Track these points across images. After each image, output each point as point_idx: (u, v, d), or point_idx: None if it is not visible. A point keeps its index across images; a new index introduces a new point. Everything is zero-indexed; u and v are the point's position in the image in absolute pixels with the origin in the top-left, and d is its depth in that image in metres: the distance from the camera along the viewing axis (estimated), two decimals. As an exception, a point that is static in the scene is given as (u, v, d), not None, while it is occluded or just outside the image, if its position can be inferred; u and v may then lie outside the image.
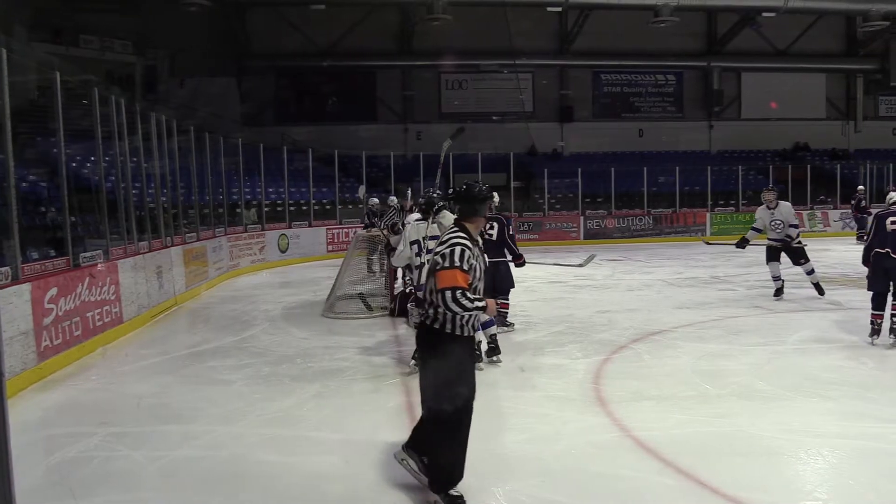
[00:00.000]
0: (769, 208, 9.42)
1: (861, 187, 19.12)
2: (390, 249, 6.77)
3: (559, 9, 21.70)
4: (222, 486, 3.84)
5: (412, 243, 5.94)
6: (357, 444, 4.33)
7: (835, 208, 22.36)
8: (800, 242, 9.42)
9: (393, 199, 12.12)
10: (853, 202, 19.70)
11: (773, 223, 9.37)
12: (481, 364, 5.96)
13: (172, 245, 10.10)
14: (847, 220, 22.02)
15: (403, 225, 6.79)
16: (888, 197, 6.83)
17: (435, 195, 6.00)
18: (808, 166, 23.08)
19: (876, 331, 6.54)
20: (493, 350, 6.24)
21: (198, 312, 9.71)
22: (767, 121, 26.81)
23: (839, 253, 15.91)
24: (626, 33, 24.17)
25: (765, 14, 22.68)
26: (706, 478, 3.70)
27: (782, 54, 26.35)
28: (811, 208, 22.19)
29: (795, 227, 9.38)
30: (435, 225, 5.68)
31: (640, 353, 6.49)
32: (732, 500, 3.47)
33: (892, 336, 6.43)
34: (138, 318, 8.29)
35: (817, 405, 4.90)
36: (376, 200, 14.00)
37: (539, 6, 21.37)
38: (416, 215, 6.28)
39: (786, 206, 9.42)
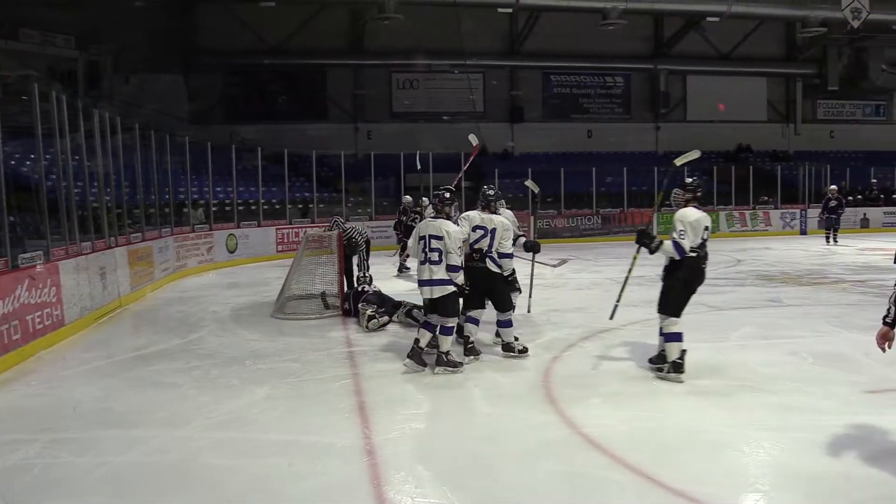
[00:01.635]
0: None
1: (833, 187, 19.09)
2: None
3: (510, 10, 21.88)
4: (169, 491, 3.76)
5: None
6: (308, 446, 4.30)
7: (776, 208, 23.04)
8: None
9: (424, 200, 11.91)
10: (824, 202, 18.91)
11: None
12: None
13: (117, 245, 9.85)
14: (788, 220, 22.71)
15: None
16: None
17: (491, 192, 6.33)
18: (751, 167, 23.72)
19: None
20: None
21: (143, 314, 9.50)
22: (712, 123, 27.50)
23: (780, 251, 16.41)
24: (575, 35, 24.52)
25: (709, 18, 23.26)
26: (653, 472, 3.77)
27: (726, 58, 27.05)
28: (753, 208, 22.82)
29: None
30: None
31: (588, 351, 6.59)
32: (678, 494, 3.55)
33: None
34: (81, 320, 8.06)
35: (759, 400, 5.04)
36: (409, 198, 13.80)
37: (490, 7, 21.51)
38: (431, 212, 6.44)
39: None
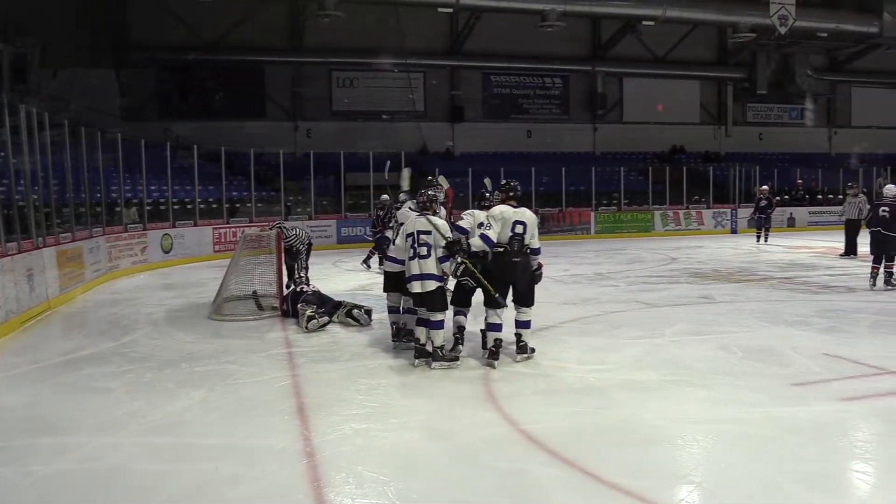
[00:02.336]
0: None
1: (765, 187, 19.50)
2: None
3: (450, 10, 21.93)
4: (101, 500, 3.66)
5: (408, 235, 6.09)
6: (246, 449, 4.24)
7: (708, 208, 23.73)
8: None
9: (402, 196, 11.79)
10: (755, 202, 19.36)
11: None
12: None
13: (45, 246, 9.51)
14: (719, 219, 23.41)
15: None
16: (885, 189, 10.34)
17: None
18: (684, 168, 24.39)
19: (873, 279, 10.02)
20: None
21: (73, 317, 9.19)
22: (647, 124, 28.14)
23: (712, 250, 16.90)
24: (515, 36, 24.74)
25: (645, 22, 23.76)
26: (591, 467, 3.84)
27: (661, 61, 27.70)
28: (687, 208, 23.45)
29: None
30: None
31: (514, 356, 6.65)
32: (614, 487, 3.63)
33: (886, 285, 9.79)
34: (6, 324, 7.75)
35: (692, 393, 5.19)
36: (387, 197, 13.68)
37: (430, 7, 21.52)
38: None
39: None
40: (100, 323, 8.62)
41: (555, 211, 21.99)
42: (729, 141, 29.50)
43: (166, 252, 15.18)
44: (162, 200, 16.81)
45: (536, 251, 6.13)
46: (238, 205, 19.08)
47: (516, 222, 5.92)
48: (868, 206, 12.92)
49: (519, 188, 6.23)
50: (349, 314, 7.87)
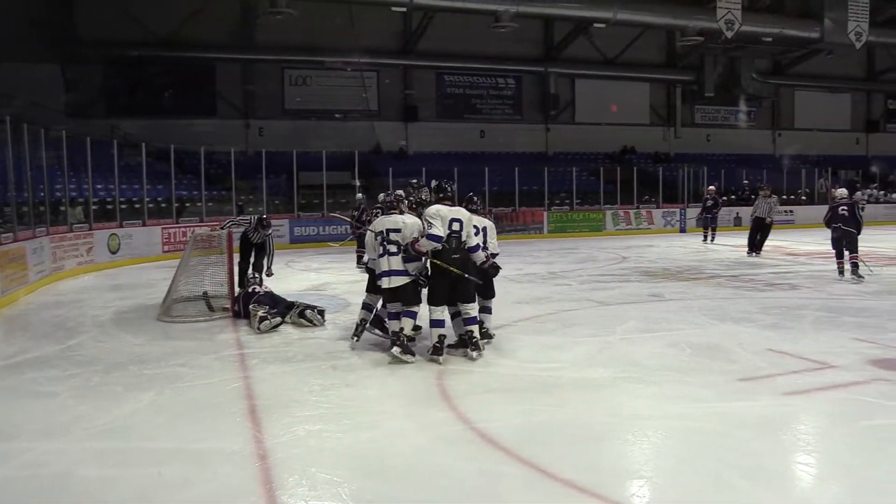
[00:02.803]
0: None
1: (711, 188, 19.81)
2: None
3: (403, 9, 21.90)
4: (45, 506, 3.57)
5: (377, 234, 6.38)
6: (196, 453, 4.17)
7: (658, 207, 24.17)
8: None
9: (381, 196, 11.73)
10: (702, 202, 19.78)
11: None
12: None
13: (-16, 246, 9.21)
14: (669, 219, 23.86)
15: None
16: (838, 192, 11.68)
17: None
18: (635, 168, 24.79)
19: (840, 272, 11.06)
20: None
21: (15, 320, 8.91)
22: (599, 125, 28.53)
23: (661, 249, 17.21)
24: (468, 37, 24.83)
25: (596, 25, 24.09)
26: (544, 464, 3.88)
27: (612, 63, 28.10)
28: (637, 207, 23.84)
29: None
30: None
31: (469, 354, 6.68)
32: (566, 483, 3.67)
33: (853, 276, 10.83)
34: (-57, 327, 7.49)
35: (643, 390, 5.28)
36: (361, 196, 13.46)
37: (383, 5, 21.45)
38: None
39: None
40: (44, 326, 8.37)
41: (508, 211, 22.13)
42: (678, 142, 30.09)
43: (113, 252, 14.82)
44: (109, 200, 16.41)
45: (473, 249, 6.29)
46: (188, 204, 18.74)
47: (452, 220, 6.17)
48: (778, 207, 14.88)
49: (451, 188, 6.48)
50: (302, 315, 7.80)
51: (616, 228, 23.11)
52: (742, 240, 18.64)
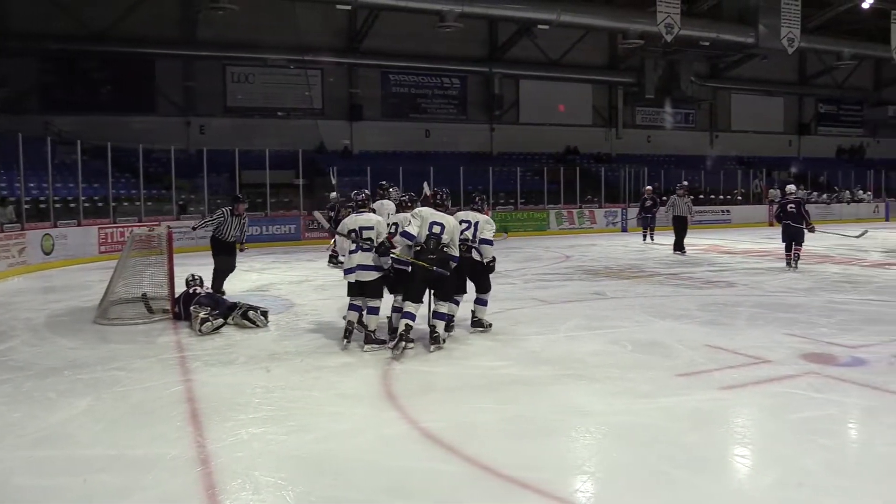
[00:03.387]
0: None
1: (649, 188, 20.08)
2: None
3: (348, 7, 21.78)
4: (-26, 517, 3.44)
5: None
6: (135, 460, 4.06)
7: (600, 207, 24.57)
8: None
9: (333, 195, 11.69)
10: (641, 202, 19.90)
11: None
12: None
13: None
14: (611, 218, 24.29)
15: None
16: (787, 189, 12.97)
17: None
18: (578, 168, 25.17)
19: (788, 263, 12.14)
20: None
21: (-59, 324, 8.55)
22: (543, 125, 28.85)
23: (603, 248, 17.52)
24: (414, 36, 24.84)
25: (540, 26, 24.37)
26: (489, 462, 3.91)
27: (555, 64, 28.45)
28: (580, 207, 24.20)
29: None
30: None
31: (427, 347, 6.71)
32: (510, 480, 3.71)
33: (793, 264, 12.06)
34: None
35: (586, 387, 5.37)
36: (335, 194, 13.20)
37: (328, 3, 21.30)
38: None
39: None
40: (-28, 330, 8.05)
41: (453, 210, 22.10)
42: (619, 143, 30.65)
43: (47, 253, 14.33)
44: (42, 199, 15.86)
45: (454, 258, 6.56)
46: (126, 203, 18.25)
47: (433, 223, 6.45)
48: (693, 206, 16.39)
49: (443, 196, 6.95)
50: (245, 316, 7.68)
51: (559, 228, 23.40)
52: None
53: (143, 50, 22.55)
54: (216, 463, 3.95)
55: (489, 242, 7.01)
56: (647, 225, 19.28)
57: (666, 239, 18.34)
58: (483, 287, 7.18)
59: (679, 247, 15.60)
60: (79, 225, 15.58)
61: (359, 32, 24.79)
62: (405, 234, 6.50)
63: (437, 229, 6.43)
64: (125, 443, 4.34)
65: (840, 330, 7.26)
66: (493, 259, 7.09)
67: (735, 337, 6.96)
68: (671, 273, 12.15)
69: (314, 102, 25.20)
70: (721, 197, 27.77)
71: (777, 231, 13.01)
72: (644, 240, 19.00)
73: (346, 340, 6.64)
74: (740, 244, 17.99)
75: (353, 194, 7.44)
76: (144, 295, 8.58)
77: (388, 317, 7.01)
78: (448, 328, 6.85)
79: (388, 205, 8.17)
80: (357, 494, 3.63)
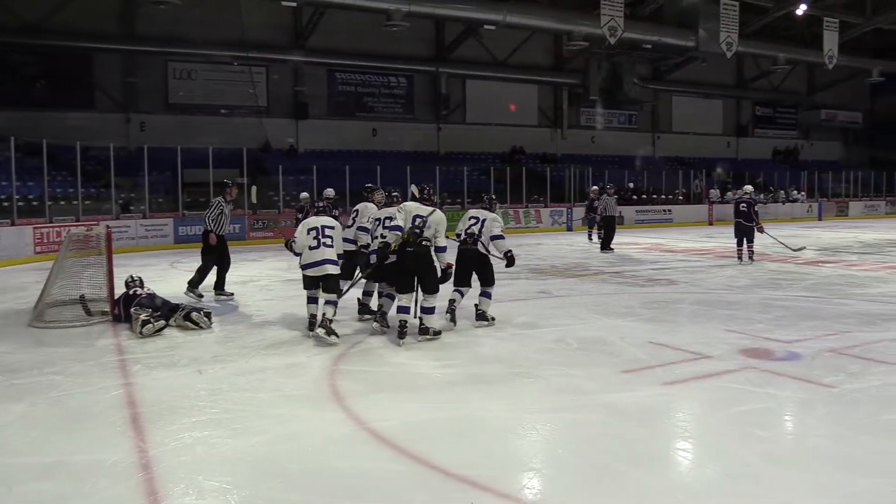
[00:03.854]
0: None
1: (595, 188, 20.18)
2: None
3: (294, 4, 21.53)
4: None
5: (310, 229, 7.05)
6: (73, 466, 3.94)
7: (546, 206, 24.85)
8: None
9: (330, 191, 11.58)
10: (588, 202, 20.16)
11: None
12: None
13: None
14: (556, 217, 24.58)
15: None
16: (744, 189, 13.74)
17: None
18: (524, 168, 25.40)
19: (739, 258, 13.11)
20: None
21: None
22: (489, 125, 29.02)
23: (549, 247, 17.72)
24: (360, 34, 24.72)
25: (486, 26, 24.52)
26: (437, 461, 3.92)
27: (502, 65, 28.66)
28: (526, 206, 24.43)
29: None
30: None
31: (375, 346, 6.69)
32: (459, 479, 3.72)
33: (749, 259, 13.02)
34: None
35: (532, 385, 5.42)
36: (307, 195, 12.93)
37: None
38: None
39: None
40: None
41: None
42: (564, 143, 31.05)
43: (-22, 254, 13.81)
44: (-28, 197, 15.29)
45: (440, 249, 6.94)
46: (63, 202, 17.69)
47: (416, 216, 6.86)
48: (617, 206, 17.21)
49: (428, 191, 7.30)
50: (188, 317, 7.52)
51: (506, 227, 23.50)
52: (625, 238, 19.45)
53: (80, 44, 21.85)
54: (158, 468, 3.86)
55: (501, 237, 7.56)
56: (593, 224, 19.55)
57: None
58: (488, 280, 7.59)
59: (608, 245, 15.98)
60: (12, 224, 15.06)
61: (304, 30, 24.54)
62: (393, 228, 6.94)
63: (419, 222, 6.81)
64: (62, 449, 4.20)
65: (776, 326, 7.49)
66: (510, 251, 7.65)
67: (677, 333, 7.12)
68: (615, 271, 12.37)
69: (259, 100, 24.82)
70: (663, 197, 28.40)
71: (716, 230, 13.49)
72: (589, 239, 19.27)
73: (312, 331, 6.91)
74: (682, 243, 18.42)
75: (324, 192, 7.87)
76: (83, 297, 8.33)
77: (378, 304, 7.49)
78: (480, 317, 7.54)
79: (371, 207, 8.30)
80: (305, 497, 3.59)
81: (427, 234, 6.82)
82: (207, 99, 24.25)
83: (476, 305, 7.63)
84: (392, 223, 7.02)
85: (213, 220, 9.77)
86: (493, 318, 7.61)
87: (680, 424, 4.77)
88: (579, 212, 22.75)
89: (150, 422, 4.62)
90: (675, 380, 5.50)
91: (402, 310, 6.78)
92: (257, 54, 23.27)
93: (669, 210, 27.38)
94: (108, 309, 8.11)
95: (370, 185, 8.85)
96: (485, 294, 7.61)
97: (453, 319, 7.37)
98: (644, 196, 27.63)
